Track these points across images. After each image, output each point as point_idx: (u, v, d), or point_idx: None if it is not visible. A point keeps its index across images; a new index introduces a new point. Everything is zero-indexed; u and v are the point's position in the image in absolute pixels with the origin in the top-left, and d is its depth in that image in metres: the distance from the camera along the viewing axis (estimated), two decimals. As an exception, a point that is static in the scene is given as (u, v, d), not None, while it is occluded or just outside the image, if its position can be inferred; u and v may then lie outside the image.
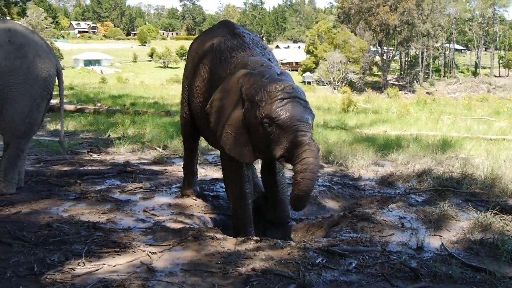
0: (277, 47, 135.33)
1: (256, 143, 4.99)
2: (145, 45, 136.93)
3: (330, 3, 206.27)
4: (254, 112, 4.80)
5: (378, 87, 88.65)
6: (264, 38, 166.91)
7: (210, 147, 8.03)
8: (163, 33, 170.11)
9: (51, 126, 13.17)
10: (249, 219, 5.49)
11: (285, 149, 4.63)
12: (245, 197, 5.47)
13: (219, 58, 5.71)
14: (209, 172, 8.37)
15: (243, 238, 4.98)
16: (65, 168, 8.07)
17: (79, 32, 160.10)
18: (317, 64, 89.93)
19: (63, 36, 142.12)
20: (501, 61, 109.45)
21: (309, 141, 4.54)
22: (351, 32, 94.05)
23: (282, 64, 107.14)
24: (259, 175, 6.44)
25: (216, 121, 5.29)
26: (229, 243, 4.80)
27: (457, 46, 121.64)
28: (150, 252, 4.50)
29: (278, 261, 4.28)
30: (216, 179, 7.77)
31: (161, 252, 4.54)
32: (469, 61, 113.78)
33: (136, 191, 6.95)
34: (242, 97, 4.98)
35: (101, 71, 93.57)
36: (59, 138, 7.21)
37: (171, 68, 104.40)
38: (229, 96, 5.14)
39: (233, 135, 5.12)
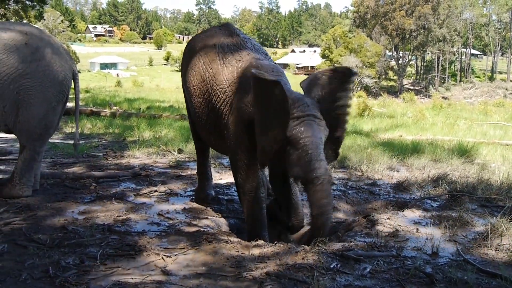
0: (293, 51, 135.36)
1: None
2: (161, 49, 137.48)
3: (346, 7, 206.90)
4: None
5: (394, 92, 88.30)
6: (279, 42, 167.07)
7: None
8: (179, 36, 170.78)
9: (67, 129, 13.26)
10: (263, 223, 5.47)
11: (299, 175, 4.74)
12: (260, 201, 5.45)
13: (223, 60, 5.70)
14: (224, 176, 8.38)
15: (257, 242, 4.97)
16: (81, 171, 8.11)
17: (96, 35, 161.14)
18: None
19: (80, 40, 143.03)
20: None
21: (323, 176, 4.66)
22: (367, 36, 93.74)
23: (297, 68, 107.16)
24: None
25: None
26: (243, 247, 4.80)
27: (474, 51, 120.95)
28: (164, 255, 4.51)
29: (292, 266, 4.26)
30: (231, 183, 7.77)
31: (176, 255, 4.55)
32: (485, 66, 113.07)
33: (151, 194, 6.97)
34: None
35: (117, 74, 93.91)
36: (73, 140, 7.25)
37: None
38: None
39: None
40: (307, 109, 4.76)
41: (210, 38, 6.14)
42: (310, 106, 4.82)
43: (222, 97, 5.55)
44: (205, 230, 5.47)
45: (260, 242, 4.98)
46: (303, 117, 4.71)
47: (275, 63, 5.88)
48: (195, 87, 5.97)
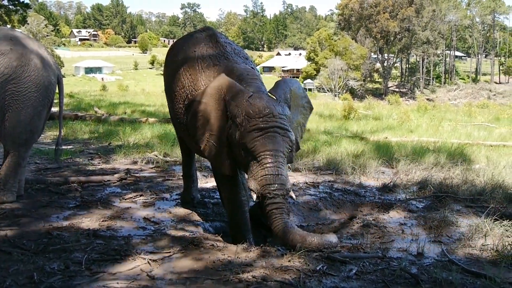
0: (278, 54, 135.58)
1: (238, 160, 5.07)
2: (146, 53, 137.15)
3: (330, 10, 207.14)
4: (235, 134, 4.86)
5: (379, 94, 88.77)
6: (265, 45, 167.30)
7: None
8: (164, 40, 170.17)
9: (52, 134, 13.18)
10: (247, 226, 5.49)
11: (256, 188, 4.77)
12: (242, 204, 5.47)
13: (201, 65, 5.73)
14: (209, 179, 8.36)
15: (244, 245, 4.98)
16: (66, 176, 8.06)
17: (80, 39, 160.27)
18: (318, 71, 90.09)
19: (64, 44, 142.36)
20: (501, 68, 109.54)
21: (276, 191, 4.69)
22: (352, 39, 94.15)
23: (283, 71, 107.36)
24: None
25: (196, 126, 5.30)
26: (229, 251, 4.79)
27: (458, 53, 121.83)
28: (150, 259, 4.50)
29: (279, 268, 4.27)
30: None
31: (162, 259, 4.54)
32: (469, 67, 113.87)
33: (137, 198, 6.95)
34: (227, 112, 5.01)
35: (102, 78, 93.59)
36: (55, 145, 7.22)
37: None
38: (211, 103, 5.15)
39: (215, 146, 5.17)
40: (271, 120, 4.76)
41: (190, 44, 6.15)
42: (277, 115, 4.81)
43: None
44: (191, 234, 5.46)
45: (246, 245, 4.98)
46: (267, 129, 4.72)
47: (253, 66, 5.89)
48: (176, 93, 5.99)
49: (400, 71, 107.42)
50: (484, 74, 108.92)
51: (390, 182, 8.04)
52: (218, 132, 5.11)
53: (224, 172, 5.21)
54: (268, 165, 4.67)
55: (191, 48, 6.04)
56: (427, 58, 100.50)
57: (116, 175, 8.11)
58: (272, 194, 4.68)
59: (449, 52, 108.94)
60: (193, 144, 5.96)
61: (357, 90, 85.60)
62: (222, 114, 5.07)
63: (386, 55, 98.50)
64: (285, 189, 4.75)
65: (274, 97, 5.05)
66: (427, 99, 73.34)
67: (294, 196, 5.04)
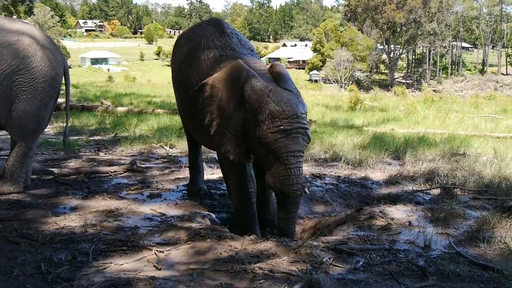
0: (284, 45, 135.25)
1: (252, 149, 5.09)
2: (152, 44, 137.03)
3: (337, 1, 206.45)
4: (254, 128, 4.87)
5: (385, 85, 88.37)
6: (271, 37, 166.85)
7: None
8: (170, 31, 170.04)
9: (58, 125, 13.19)
10: (254, 217, 5.49)
11: (275, 186, 4.92)
12: (249, 196, 5.47)
13: (207, 56, 5.71)
14: (216, 170, 8.36)
15: (251, 237, 4.98)
16: (72, 167, 8.08)
17: (86, 30, 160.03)
18: (324, 62, 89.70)
19: (70, 35, 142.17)
20: (508, 59, 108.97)
21: (297, 191, 4.89)
22: (358, 30, 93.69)
23: (289, 62, 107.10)
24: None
25: (206, 111, 5.28)
26: (236, 242, 4.79)
27: (464, 44, 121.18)
28: (157, 250, 4.51)
29: (285, 260, 4.26)
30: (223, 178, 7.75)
31: (168, 250, 4.54)
32: (476, 59, 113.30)
33: (143, 189, 6.95)
34: (245, 103, 4.96)
35: (108, 69, 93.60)
36: (63, 135, 7.25)
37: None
38: (227, 90, 5.13)
39: (227, 134, 5.15)
40: (295, 121, 4.78)
41: (197, 34, 6.13)
42: (300, 115, 4.84)
43: None
44: (198, 225, 5.46)
45: (253, 236, 4.99)
46: (290, 131, 4.75)
47: (257, 57, 5.89)
48: (182, 84, 6.02)
49: (406, 62, 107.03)
50: (491, 66, 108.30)
51: (397, 173, 8.02)
52: (231, 121, 5.08)
53: (233, 159, 5.19)
54: (290, 166, 4.78)
55: (197, 38, 6.02)
56: (433, 50, 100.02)
57: (122, 166, 8.12)
58: (294, 194, 4.86)
59: (455, 43, 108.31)
60: (199, 135, 5.96)
61: (363, 81, 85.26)
62: (237, 103, 5.03)
63: (392, 46, 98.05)
64: (303, 187, 4.92)
65: (290, 91, 5.00)
66: (434, 91, 72.88)
67: (307, 191, 5.11)
